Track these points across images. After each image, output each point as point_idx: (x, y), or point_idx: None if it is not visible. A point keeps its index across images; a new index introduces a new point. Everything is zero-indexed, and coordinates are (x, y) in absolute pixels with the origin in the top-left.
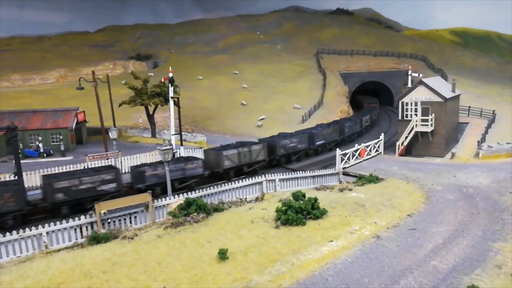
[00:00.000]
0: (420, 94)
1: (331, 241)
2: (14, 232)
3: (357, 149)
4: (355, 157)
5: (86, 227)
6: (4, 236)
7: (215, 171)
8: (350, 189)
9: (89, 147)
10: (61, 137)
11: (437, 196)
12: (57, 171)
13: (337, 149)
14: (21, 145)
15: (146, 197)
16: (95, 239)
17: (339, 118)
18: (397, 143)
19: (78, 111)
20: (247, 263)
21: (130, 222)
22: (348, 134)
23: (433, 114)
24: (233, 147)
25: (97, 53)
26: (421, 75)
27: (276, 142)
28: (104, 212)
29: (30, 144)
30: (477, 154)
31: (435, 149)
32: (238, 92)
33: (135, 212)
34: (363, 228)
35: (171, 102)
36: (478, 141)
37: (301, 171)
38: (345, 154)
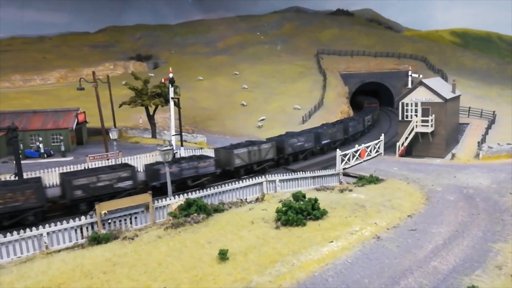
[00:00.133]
0: (420, 95)
1: (331, 241)
2: (14, 232)
3: (357, 150)
4: (355, 157)
5: (87, 228)
6: (5, 236)
7: (226, 169)
8: (350, 190)
9: (89, 148)
10: (61, 137)
11: (437, 197)
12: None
13: (337, 150)
14: (21, 145)
15: (146, 197)
16: (96, 240)
17: (339, 119)
18: (397, 144)
19: (79, 112)
20: (248, 264)
21: (131, 223)
22: (352, 133)
23: (433, 115)
24: (243, 146)
25: (98, 53)
26: (421, 75)
27: (285, 141)
28: (105, 213)
29: (31, 145)
30: (477, 155)
31: (435, 150)
32: (238, 92)
33: (135, 213)
34: (363, 228)
35: (172, 103)
36: (479, 142)
37: (301, 172)
38: (345, 155)
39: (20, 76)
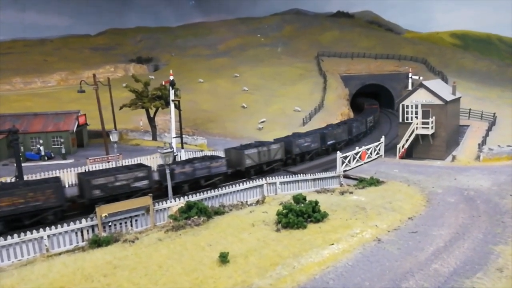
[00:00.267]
0: (420, 97)
1: (332, 244)
2: (15, 235)
3: (358, 152)
4: (355, 160)
5: (87, 231)
6: (6, 239)
7: (237, 169)
8: (351, 192)
9: (90, 150)
10: (62, 140)
11: (438, 199)
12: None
13: (338, 152)
14: (22, 148)
15: (146, 200)
16: (96, 243)
17: (342, 120)
18: (398, 146)
19: (79, 114)
20: (248, 267)
21: (131, 226)
22: (356, 134)
23: (434, 117)
24: (253, 146)
25: (98, 56)
26: (421, 77)
27: (292, 141)
28: (105, 215)
29: (31, 147)
30: (478, 156)
31: (435, 152)
32: (238, 95)
33: (136, 216)
34: (364, 231)
35: (172, 105)
36: (479, 144)
37: (301, 174)
38: (346, 157)
39: (21, 79)
